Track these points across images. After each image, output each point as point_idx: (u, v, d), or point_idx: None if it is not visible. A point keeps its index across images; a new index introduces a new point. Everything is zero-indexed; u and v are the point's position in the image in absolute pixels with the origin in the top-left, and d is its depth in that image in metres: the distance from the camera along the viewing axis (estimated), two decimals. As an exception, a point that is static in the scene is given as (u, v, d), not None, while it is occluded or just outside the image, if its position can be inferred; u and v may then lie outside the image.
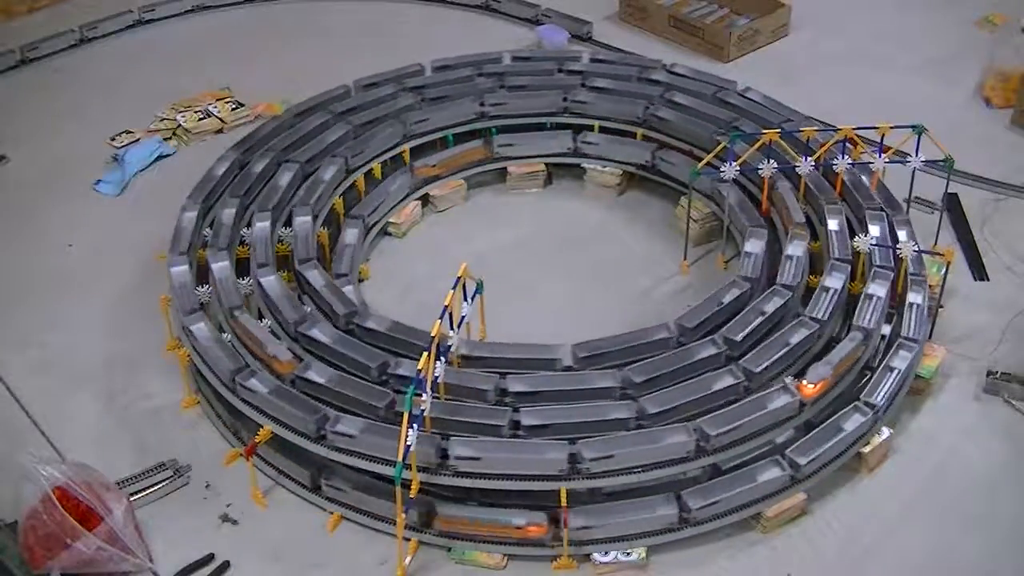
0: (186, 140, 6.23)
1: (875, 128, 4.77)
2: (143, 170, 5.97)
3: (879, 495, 4.02)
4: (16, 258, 5.39)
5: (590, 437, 3.80)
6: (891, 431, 4.12)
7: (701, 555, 3.84)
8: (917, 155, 4.80)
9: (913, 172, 4.91)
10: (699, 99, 5.59)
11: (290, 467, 4.07)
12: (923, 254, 4.53)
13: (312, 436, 3.90)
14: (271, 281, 4.51)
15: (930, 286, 4.54)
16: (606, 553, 3.79)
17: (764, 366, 4.02)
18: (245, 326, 4.25)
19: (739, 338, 4.14)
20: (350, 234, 5.05)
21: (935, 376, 4.39)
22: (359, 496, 3.94)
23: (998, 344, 4.60)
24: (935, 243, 5.05)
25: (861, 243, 4.47)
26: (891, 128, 4.72)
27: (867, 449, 4.04)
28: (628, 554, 3.79)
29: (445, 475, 3.77)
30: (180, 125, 6.28)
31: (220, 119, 6.31)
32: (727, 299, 4.38)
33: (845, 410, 4.02)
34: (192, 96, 6.55)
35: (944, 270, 4.61)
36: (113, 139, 6.21)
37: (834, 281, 4.38)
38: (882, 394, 4.06)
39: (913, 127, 4.72)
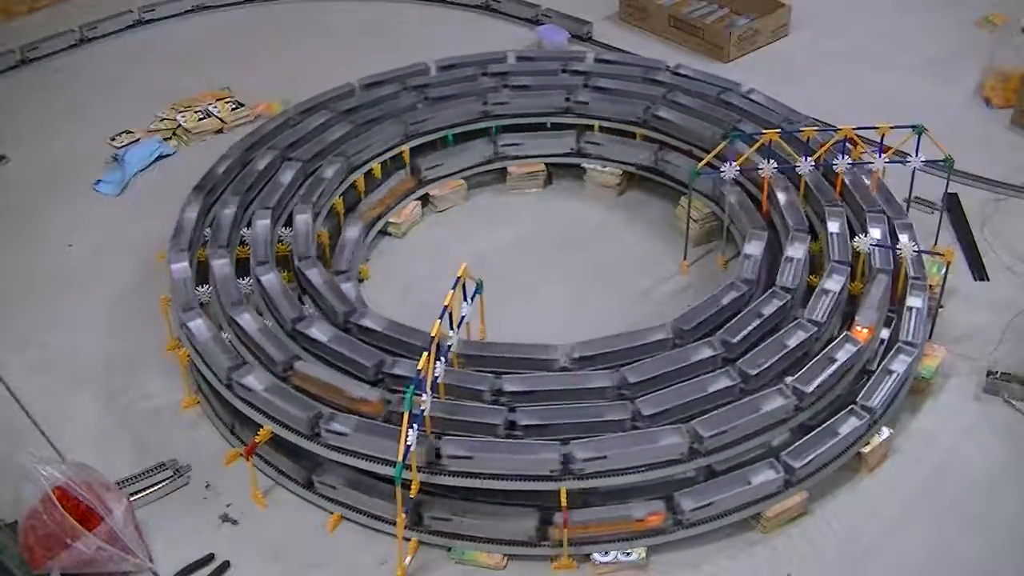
0: (186, 140, 6.24)
1: (875, 128, 4.77)
2: (143, 170, 5.98)
3: (879, 495, 4.03)
4: (16, 258, 5.39)
5: (584, 438, 3.80)
6: (891, 431, 4.12)
7: (701, 555, 3.84)
8: (917, 155, 4.80)
9: (913, 172, 4.91)
10: (702, 100, 5.58)
11: (287, 465, 4.08)
12: (923, 254, 4.52)
13: (306, 433, 3.91)
14: (271, 279, 4.52)
15: (930, 286, 4.53)
16: (606, 553, 3.79)
17: (761, 368, 4.01)
18: (316, 376, 4.06)
19: (736, 340, 4.14)
20: (351, 231, 5.05)
21: (935, 376, 4.38)
22: (352, 494, 3.95)
23: (998, 344, 4.60)
24: (935, 243, 5.05)
25: (861, 243, 4.47)
26: (891, 128, 4.72)
27: (867, 449, 4.04)
28: (628, 554, 3.79)
29: (436, 474, 3.77)
30: (180, 125, 6.28)
31: (220, 119, 6.31)
32: (725, 301, 4.38)
33: (841, 413, 4.01)
34: (192, 96, 6.55)
35: (944, 270, 4.61)
36: (113, 139, 6.21)
37: (833, 284, 4.37)
38: (879, 398, 4.05)
39: (913, 127, 4.72)
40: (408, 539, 3.86)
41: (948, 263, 4.50)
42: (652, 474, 3.78)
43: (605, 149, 5.57)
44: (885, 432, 4.09)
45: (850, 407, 4.03)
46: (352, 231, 5.07)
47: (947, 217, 5.27)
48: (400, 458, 3.51)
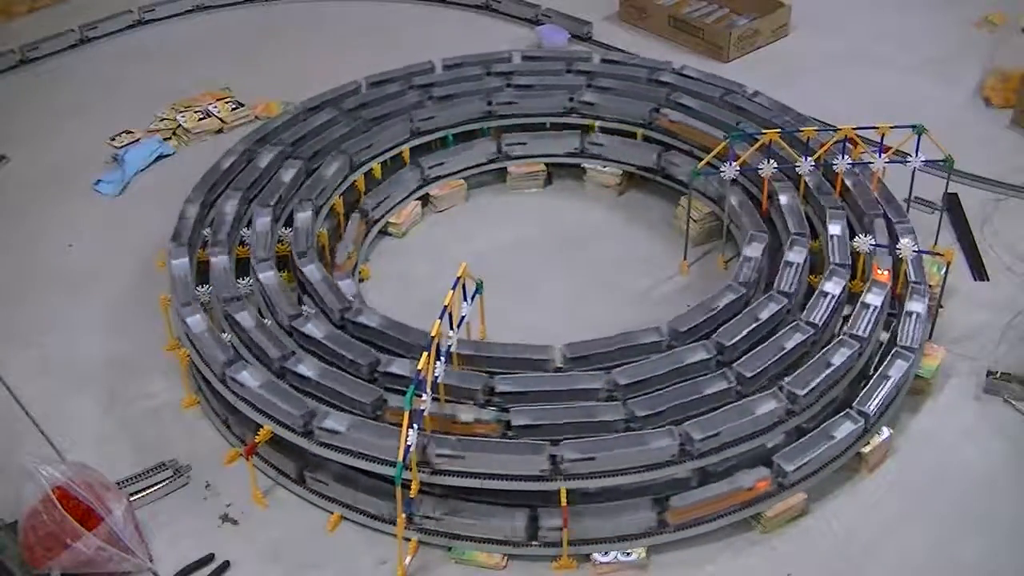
0: (186, 140, 6.24)
1: (875, 128, 4.77)
2: (143, 170, 5.98)
3: (879, 495, 4.02)
4: (16, 258, 5.39)
5: (576, 438, 3.79)
6: (891, 431, 4.12)
7: (701, 555, 3.83)
8: (917, 155, 4.80)
9: (913, 172, 4.91)
10: (706, 101, 5.57)
11: (283, 462, 4.09)
12: (923, 254, 4.52)
13: (299, 431, 3.92)
14: (269, 277, 4.54)
15: (930, 286, 4.53)
16: (606, 553, 3.79)
17: (757, 371, 4.00)
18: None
19: (729, 343, 4.12)
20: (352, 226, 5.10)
21: (935, 376, 4.38)
22: (350, 492, 3.96)
23: (998, 344, 4.60)
24: (935, 243, 5.05)
25: (861, 243, 4.47)
26: (891, 128, 4.72)
27: (867, 449, 4.04)
28: (628, 554, 3.79)
29: (425, 472, 3.77)
30: (180, 125, 6.28)
31: (220, 119, 6.32)
32: (722, 303, 4.37)
33: (836, 417, 4.00)
34: (192, 96, 6.55)
35: (944, 270, 4.60)
36: (113, 139, 6.21)
37: (833, 287, 4.36)
38: (875, 403, 4.03)
39: (913, 127, 4.72)
40: (408, 539, 3.86)
41: (948, 263, 4.50)
42: (642, 476, 3.78)
43: (607, 149, 5.58)
44: (885, 432, 4.09)
45: (845, 411, 4.02)
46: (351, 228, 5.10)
47: (947, 217, 5.27)
48: (400, 458, 3.51)
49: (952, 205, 5.38)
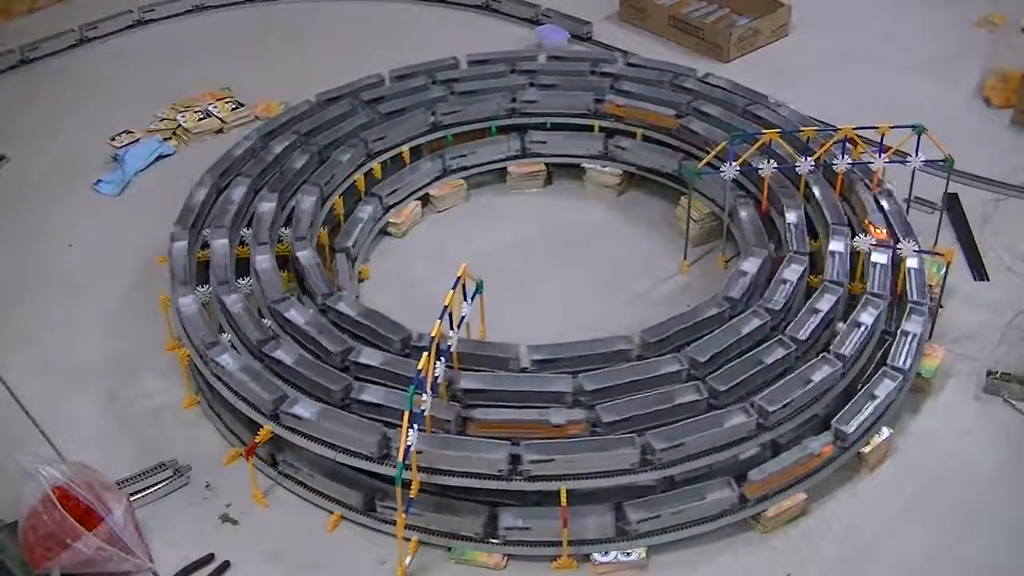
0: (186, 140, 6.24)
1: (875, 128, 4.77)
2: (143, 170, 5.98)
3: (879, 495, 4.02)
4: (16, 258, 5.39)
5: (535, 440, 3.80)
6: (891, 431, 4.12)
7: (701, 555, 3.84)
8: (917, 155, 4.80)
9: (913, 172, 4.91)
10: (725, 107, 5.51)
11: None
12: (923, 254, 4.52)
13: (268, 414, 3.95)
14: (265, 260, 4.60)
15: (930, 286, 4.53)
16: (606, 553, 3.79)
17: (731, 384, 3.97)
18: (500, 419, 3.94)
19: (704, 359, 4.07)
20: (363, 211, 5.16)
21: (935, 376, 4.38)
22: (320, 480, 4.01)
23: (998, 344, 4.60)
24: (935, 243, 5.05)
25: (861, 243, 4.47)
26: (891, 128, 4.73)
27: (867, 449, 4.04)
28: (628, 554, 3.79)
29: (391, 466, 3.78)
30: (180, 125, 6.28)
31: (220, 119, 6.31)
32: (704, 316, 4.32)
33: (815, 437, 3.97)
34: (192, 96, 6.55)
35: (944, 270, 4.60)
36: (113, 139, 6.21)
37: (824, 303, 4.31)
38: (856, 424, 3.99)
39: (913, 127, 4.72)
40: (408, 539, 3.86)
41: (948, 263, 4.50)
42: (603, 482, 3.77)
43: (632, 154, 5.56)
44: (885, 432, 4.09)
45: (824, 431, 3.99)
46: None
47: (947, 217, 5.27)
48: (400, 458, 3.51)
49: (952, 205, 5.38)
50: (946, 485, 4.05)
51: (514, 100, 5.65)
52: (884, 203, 4.81)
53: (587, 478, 3.76)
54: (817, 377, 4.00)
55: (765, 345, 4.14)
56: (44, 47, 7.14)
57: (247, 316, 4.33)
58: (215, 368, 4.13)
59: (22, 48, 7.08)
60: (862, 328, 4.20)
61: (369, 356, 4.14)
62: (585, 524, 3.79)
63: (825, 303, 4.31)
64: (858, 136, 4.80)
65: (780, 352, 4.10)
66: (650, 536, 3.80)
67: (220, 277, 4.54)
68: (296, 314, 4.33)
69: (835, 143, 4.82)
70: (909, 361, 4.18)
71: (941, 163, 4.82)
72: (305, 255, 4.66)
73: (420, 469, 3.73)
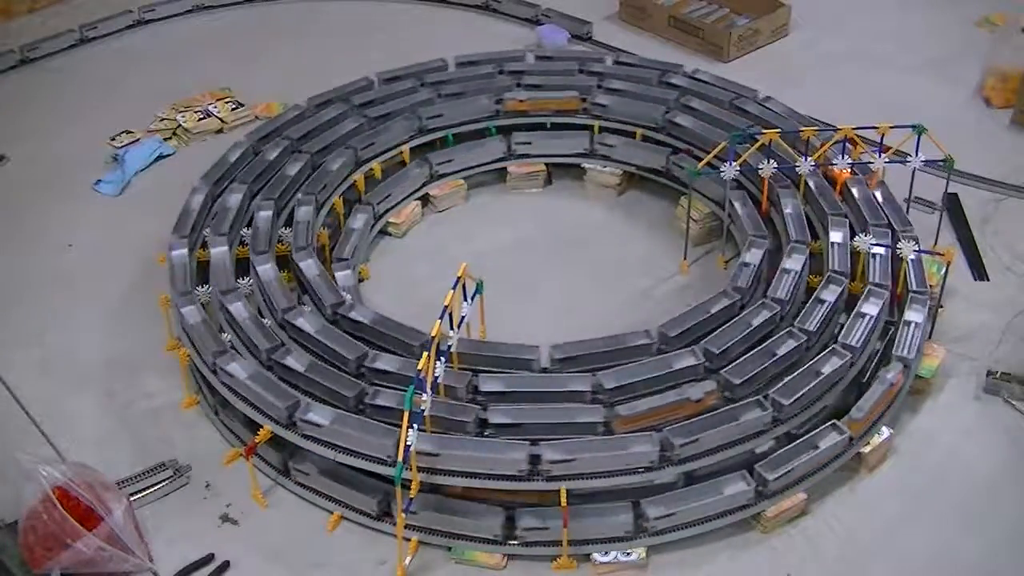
0: (186, 140, 6.24)
1: (875, 128, 4.77)
2: (143, 170, 5.98)
3: (879, 495, 4.02)
4: (16, 258, 5.39)
5: (557, 439, 3.79)
6: (891, 431, 4.12)
7: (701, 555, 3.83)
8: (917, 155, 4.80)
9: (913, 172, 4.91)
10: (716, 105, 5.52)
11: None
12: (923, 254, 4.52)
13: (283, 423, 3.93)
14: (267, 270, 4.58)
15: (930, 286, 4.53)
16: (606, 553, 3.79)
17: (745, 378, 3.99)
18: (645, 409, 3.94)
19: (719, 350, 4.10)
20: (357, 220, 5.12)
21: (935, 376, 4.38)
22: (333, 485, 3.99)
23: (998, 344, 4.60)
24: (935, 243, 5.05)
25: (861, 243, 4.47)
26: (891, 128, 4.72)
27: (867, 449, 4.04)
28: (628, 554, 3.79)
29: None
30: (180, 125, 6.28)
31: (220, 119, 6.31)
32: (714, 309, 4.34)
33: (822, 428, 3.98)
34: (192, 96, 6.55)
35: (944, 270, 4.61)
36: (113, 139, 6.21)
37: (829, 294, 4.33)
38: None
39: (913, 127, 4.72)
40: (408, 539, 3.86)
41: (948, 263, 4.50)
42: (621, 480, 3.78)
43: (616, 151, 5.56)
44: (885, 432, 4.09)
45: (832, 422, 4.00)
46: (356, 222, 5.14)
47: (947, 217, 5.27)
48: (400, 458, 3.51)
49: (952, 205, 5.38)
50: (946, 485, 4.05)
51: (499, 102, 5.67)
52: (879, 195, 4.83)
53: (602, 477, 3.76)
54: (827, 369, 4.02)
55: (775, 337, 4.16)
56: (44, 47, 7.14)
57: (253, 324, 4.30)
58: (225, 378, 4.10)
59: (22, 48, 7.08)
60: (867, 319, 4.22)
61: (386, 362, 4.12)
62: (603, 523, 3.78)
63: (830, 294, 4.32)
64: (858, 136, 4.81)
65: (791, 344, 4.12)
66: (667, 533, 3.81)
67: (222, 286, 4.50)
68: (305, 322, 4.31)
69: (835, 143, 4.82)
70: (915, 353, 4.21)
71: (941, 163, 4.82)
72: (308, 265, 4.63)
73: (439, 472, 3.73)
